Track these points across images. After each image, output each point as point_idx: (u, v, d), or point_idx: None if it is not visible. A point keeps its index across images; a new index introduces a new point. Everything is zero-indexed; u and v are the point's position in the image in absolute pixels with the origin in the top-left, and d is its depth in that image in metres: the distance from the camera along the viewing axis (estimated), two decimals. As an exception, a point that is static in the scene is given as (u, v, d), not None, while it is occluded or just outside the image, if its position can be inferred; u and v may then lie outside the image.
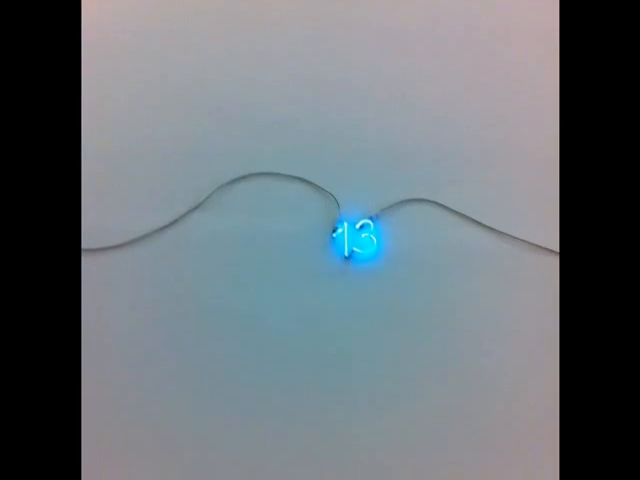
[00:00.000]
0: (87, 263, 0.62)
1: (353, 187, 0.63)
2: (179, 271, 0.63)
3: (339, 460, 0.62)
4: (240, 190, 0.63)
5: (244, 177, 0.63)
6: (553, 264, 0.63)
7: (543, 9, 0.67)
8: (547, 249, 0.63)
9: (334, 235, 0.63)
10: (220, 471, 0.62)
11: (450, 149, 0.64)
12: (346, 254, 0.63)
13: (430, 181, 0.64)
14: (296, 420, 0.62)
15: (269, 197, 0.63)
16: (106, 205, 0.63)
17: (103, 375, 0.62)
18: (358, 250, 0.63)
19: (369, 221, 0.63)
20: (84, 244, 0.62)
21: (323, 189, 0.63)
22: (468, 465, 0.62)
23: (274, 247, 0.63)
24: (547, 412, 0.62)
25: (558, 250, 0.62)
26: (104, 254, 0.63)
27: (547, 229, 0.62)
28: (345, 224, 0.63)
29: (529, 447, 0.62)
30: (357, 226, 0.63)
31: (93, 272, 0.62)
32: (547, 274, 0.63)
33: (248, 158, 0.63)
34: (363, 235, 0.63)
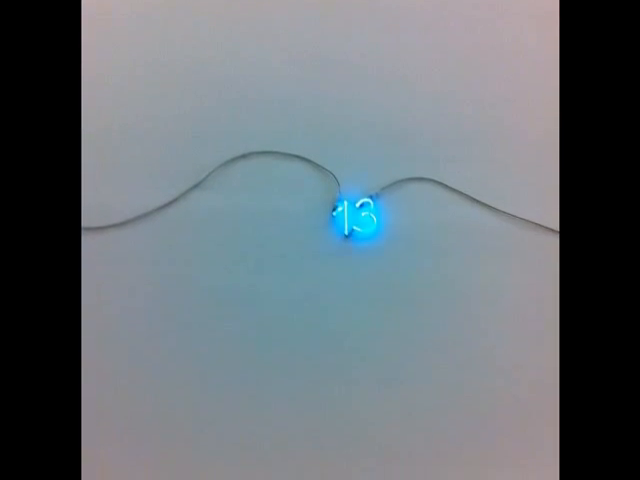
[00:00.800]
0: (87, 241, 0.62)
1: (353, 166, 0.63)
2: (179, 249, 0.63)
3: (339, 437, 0.62)
4: (240, 169, 0.63)
5: (244, 156, 0.63)
6: (553, 242, 0.63)
7: (543, -12, 0.67)
8: (547, 228, 0.63)
9: (334, 214, 0.63)
10: (221, 449, 0.62)
11: (450, 128, 0.64)
12: (346, 233, 0.63)
13: (430, 160, 0.64)
14: (296, 398, 0.62)
15: (269, 176, 0.63)
16: (106, 184, 0.63)
17: (103, 353, 0.62)
18: (358, 229, 0.63)
19: (369, 200, 0.63)
20: (84, 222, 0.62)
21: (323, 168, 0.63)
22: (468, 443, 0.62)
23: (274, 226, 0.63)
24: (547, 390, 0.62)
25: (558, 229, 0.62)
26: (104, 232, 0.63)
27: (547, 208, 0.62)
28: (345, 203, 0.63)
29: (529, 425, 0.62)
30: (357, 205, 0.63)
31: (93, 250, 0.62)
32: (547, 252, 0.63)
33: (248, 137, 0.63)
34: (363, 214, 0.63)
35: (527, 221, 0.63)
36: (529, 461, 0.62)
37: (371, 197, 0.63)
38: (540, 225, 0.63)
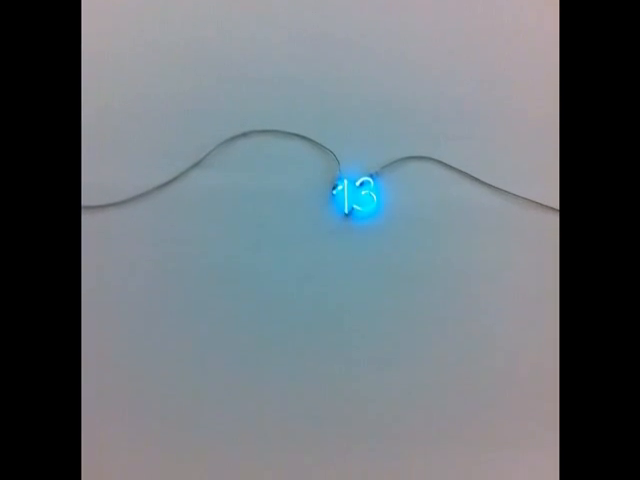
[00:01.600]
0: (87, 220, 0.62)
1: (353, 144, 0.63)
2: (179, 228, 0.63)
3: (339, 416, 0.62)
4: (240, 147, 0.63)
5: (244, 134, 0.63)
6: (553, 221, 0.63)
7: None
8: (547, 206, 0.63)
9: (334, 192, 0.63)
10: (220, 428, 0.62)
11: (450, 106, 0.64)
12: (346, 211, 0.63)
13: (430, 138, 0.63)
14: (296, 377, 0.62)
15: (269, 154, 0.63)
16: (106, 162, 0.63)
17: (103, 332, 0.62)
18: (358, 207, 0.63)
19: (369, 178, 0.63)
20: (84, 201, 0.62)
21: (323, 146, 0.63)
22: (467, 422, 0.62)
23: (274, 204, 0.63)
24: (547, 369, 0.62)
25: (558, 207, 0.62)
26: (104, 211, 0.63)
27: (547, 186, 0.62)
28: (345, 181, 0.63)
29: (529, 405, 0.63)
30: (357, 183, 0.63)
31: (93, 229, 0.62)
32: (547, 231, 0.63)
33: (248, 115, 0.63)
34: (363, 192, 0.63)
35: (527, 200, 0.63)
36: (529, 441, 0.62)
37: (371, 176, 0.63)
38: (540, 204, 0.63)
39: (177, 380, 0.62)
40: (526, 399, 0.62)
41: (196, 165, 0.63)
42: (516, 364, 0.63)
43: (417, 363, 0.62)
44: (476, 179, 0.63)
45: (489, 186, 0.63)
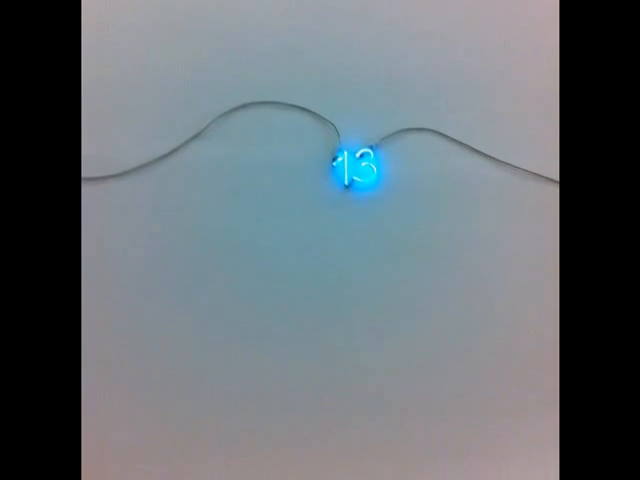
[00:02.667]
0: (87, 192, 0.62)
1: (353, 116, 0.63)
2: (179, 199, 0.63)
3: (339, 387, 0.62)
4: (240, 119, 0.63)
5: (244, 106, 0.63)
6: (553, 193, 0.63)
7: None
8: (547, 178, 0.63)
9: (334, 164, 0.63)
10: (220, 399, 0.62)
11: (451, 78, 0.64)
12: (346, 183, 0.63)
13: (431, 110, 0.63)
14: (296, 348, 0.62)
15: (269, 126, 0.63)
16: (106, 134, 0.63)
17: (103, 303, 0.62)
18: (358, 179, 0.63)
19: (369, 150, 0.63)
20: (84, 173, 0.62)
21: (323, 118, 0.63)
22: (467, 393, 0.62)
23: (274, 176, 0.63)
24: (547, 341, 0.62)
25: (558, 179, 0.61)
26: (104, 183, 0.63)
27: (547, 158, 0.62)
28: (345, 153, 0.63)
29: (529, 375, 0.63)
30: (357, 155, 0.63)
31: (93, 201, 0.62)
32: (547, 203, 0.63)
33: (248, 87, 0.63)
34: (363, 164, 0.63)
35: (527, 171, 0.63)
36: (529, 411, 0.62)
37: (371, 147, 0.63)
38: (540, 175, 0.63)
39: (177, 351, 0.62)
40: (526, 370, 0.62)
41: (196, 137, 0.63)
42: (516, 335, 0.63)
43: (417, 334, 0.63)
44: (476, 150, 0.63)
45: (489, 157, 0.63)
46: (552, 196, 0.62)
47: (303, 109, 0.63)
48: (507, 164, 0.63)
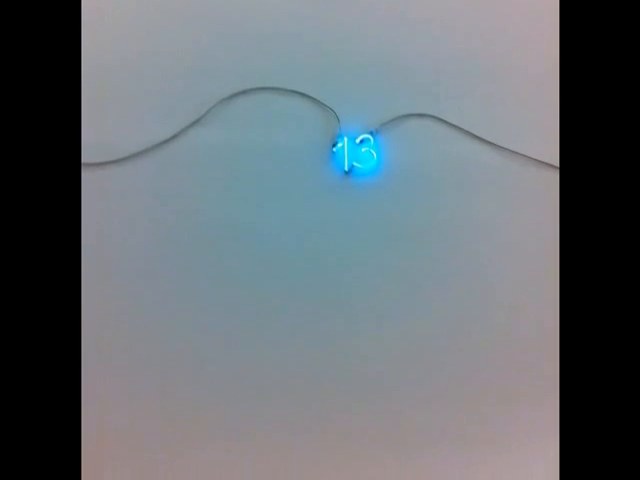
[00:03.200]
0: (87, 178, 0.62)
1: (353, 101, 0.63)
2: (179, 186, 0.63)
3: (338, 373, 0.62)
4: (240, 105, 0.63)
5: (244, 92, 0.63)
6: (553, 179, 0.63)
7: None
8: (547, 164, 0.63)
9: (334, 150, 0.63)
10: (220, 385, 0.62)
11: (451, 63, 0.63)
12: (346, 169, 0.63)
13: (430, 96, 0.63)
14: (296, 334, 0.62)
15: (269, 112, 0.63)
16: (106, 120, 0.63)
17: (103, 290, 0.62)
18: (358, 165, 0.63)
19: (369, 136, 0.63)
20: (84, 159, 0.62)
21: (323, 103, 0.63)
22: (467, 379, 0.63)
23: (274, 162, 0.63)
24: (547, 328, 0.62)
25: (558, 165, 0.61)
26: (103, 169, 0.63)
27: (547, 144, 0.62)
28: (345, 139, 0.63)
29: (529, 361, 0.63)
30: (357, 141, 0.63)
31: (93, 187, 0.62)
32: (547, 189, 0.63)
33: (248, 72, 0.63)
34: (363, 150, 0.63)
35: (527, 157, 0.63)
36: (529, 397, 0.63)
37: (371, 133, 0.63)
38: (540, 161, 0.63)
39: (177, 337, 0.62)
40: (526, 356, 0.62)
41: (195, 123, 0.63)
42: (517, 321, 0.63)
43: (417, 320, 0.63)
44: (476, 136, 0.63)
45: (489, 143, 0.63)
46: (552, 182, 0.62)
47: (303, 95, 0.63)
48: (507, 150, 0.63)
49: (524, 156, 0.63)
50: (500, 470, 0.62)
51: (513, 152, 0.63)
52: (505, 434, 0.62)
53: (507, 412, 0.62)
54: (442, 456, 0.62)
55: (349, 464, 0.62)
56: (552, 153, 0.62)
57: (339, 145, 0.62)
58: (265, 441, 0.62)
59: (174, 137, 0.63)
